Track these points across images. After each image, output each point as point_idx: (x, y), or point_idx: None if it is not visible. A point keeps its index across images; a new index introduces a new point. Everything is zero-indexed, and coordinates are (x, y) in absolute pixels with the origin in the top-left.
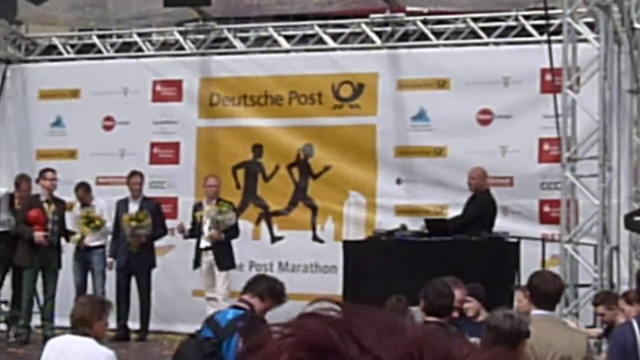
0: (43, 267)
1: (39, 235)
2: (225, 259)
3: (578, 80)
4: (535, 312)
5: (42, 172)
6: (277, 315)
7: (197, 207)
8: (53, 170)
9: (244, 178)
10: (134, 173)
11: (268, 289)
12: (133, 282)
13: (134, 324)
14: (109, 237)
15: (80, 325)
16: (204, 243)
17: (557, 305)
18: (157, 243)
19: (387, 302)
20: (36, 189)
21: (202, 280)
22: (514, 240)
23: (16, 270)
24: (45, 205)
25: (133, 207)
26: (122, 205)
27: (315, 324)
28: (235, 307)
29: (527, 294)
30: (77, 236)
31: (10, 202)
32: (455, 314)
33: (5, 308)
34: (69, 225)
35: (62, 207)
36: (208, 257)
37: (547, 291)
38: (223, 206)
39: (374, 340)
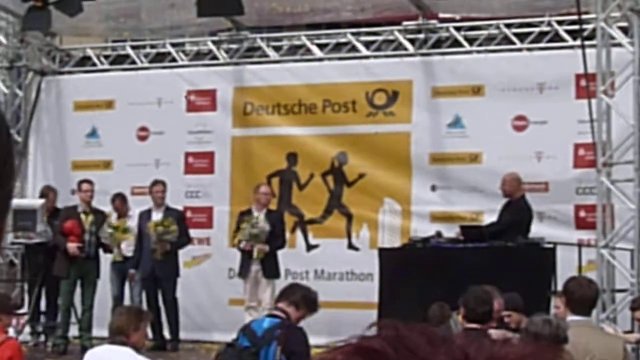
0: (81, 278)
1: (72, 246)
2: (271, 269)
3: (612, 84)
4: (572, 317)
5: (79, 184)
6: (314, 323)
7: (245, 214)
8: (89, 182)
9: (278, 187)
10: (156, 182)
11: (303, 298)
12: None
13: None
14: None
15: (118, 335)
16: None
17: (594, 310)
18: (194, 252)
19: (430, 309)
20: (73, 200)
21: (247, 289)
22: (550, 245)
23: (53, 280)
24: (83, 216)
25: (156, 216)
26: (144, 216)
27: (367, 336)
28: (271, 315)
29: (563, 300)
30: (116, 251)
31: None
32: (493, 324)
33: (43, 319)
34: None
35: (101, 217)
36: (255, 267)
37: (583, 296)
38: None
39: (423, 347)
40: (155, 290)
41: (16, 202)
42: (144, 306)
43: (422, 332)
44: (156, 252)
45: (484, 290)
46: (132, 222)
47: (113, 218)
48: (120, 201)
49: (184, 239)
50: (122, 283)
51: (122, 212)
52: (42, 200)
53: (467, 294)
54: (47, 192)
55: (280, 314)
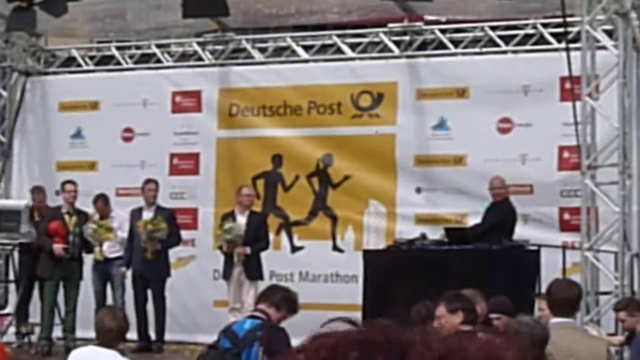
0: (64, 279)
1: (58, 247)
2: (254, 270)
3: (597, 87)
4: (554, 320)
5: (62, 184)
6: (298, 325)
7: (227, 217)
8: (73, 182)
9: (264, 188)
10: (149, 180)
11: (283, 299)
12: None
13: (152, 333)
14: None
15: (107, 338)
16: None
17: (577, 312)
18: (178, 253)
19: (413, 308)
20: (58, 200)
21: (230, 291)
22: (535, 248)
23: (38, 281)
24: (67, 217)
25: (147, 215)
26: (136, 214)
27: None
28: (252, 317)
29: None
30: (97, 249)
31: (30, 215)
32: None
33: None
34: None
35: (84, 218)
36: (237, 269)
37: (564, 298)
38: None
39: (418, 340)
40: (144, 290)
41: (1, 202)
42: (126, 307)
43: (417, 330)
44: (147, 251)
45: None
46: (115, 224)
47: (95, 219)
48: (102, 202)
49: (175, 239)
50: (104, 284)
51: (104, 214)
52: (25, 201)
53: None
54: (35, 193)
55: (261, 315)
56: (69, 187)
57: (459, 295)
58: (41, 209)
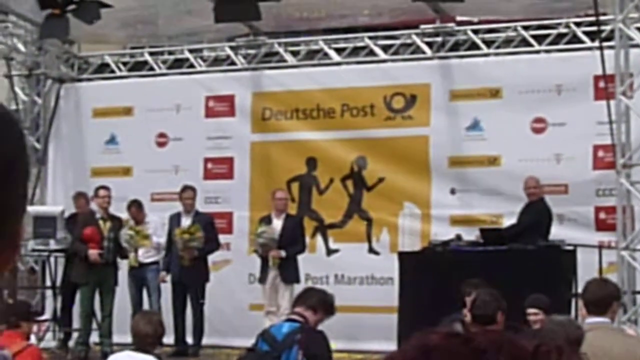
0: (100, 284)
1: (93, 253)
2: (290, 273)
3: (631, 85)
4: (589, 319)
5: (96, 190)
6: (335, 327)
7: (263, 220)
8: (106, 188)
9: (298, 192)
10: (186, 187)
11: (320, 302)
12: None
13: (189, 339)
14: (163, 253)
15: (144, 342)
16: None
17: (614, 312)
18: (214, 258)
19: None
20: (93, 206)
21: (266, 294)
22: (570, 248)
23: (71, 287)
24: (101, 223)
25: (186, 222)
26: (174, 220)
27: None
28: (289, 320)
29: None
30: (132, 255)
31: (75, 221)
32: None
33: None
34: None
35: (118, 224)
36: (273, 272)
37: (595, 297)
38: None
39: (489, 346)
40: (183, 295)
41: (36, 209)
42: (163, 312)
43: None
44: (184, 259)
45: (489, 292)
46: (149, 230)
47: (126, 227)
48: (136, 208)
49: (213, 245)
50: (140, 289)
51: (139, 219)
52: (61, 208)
53: (474, 296)
54: (77, 199)
55: (298, 318)
56: (102, 192)
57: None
58: (84, 214)
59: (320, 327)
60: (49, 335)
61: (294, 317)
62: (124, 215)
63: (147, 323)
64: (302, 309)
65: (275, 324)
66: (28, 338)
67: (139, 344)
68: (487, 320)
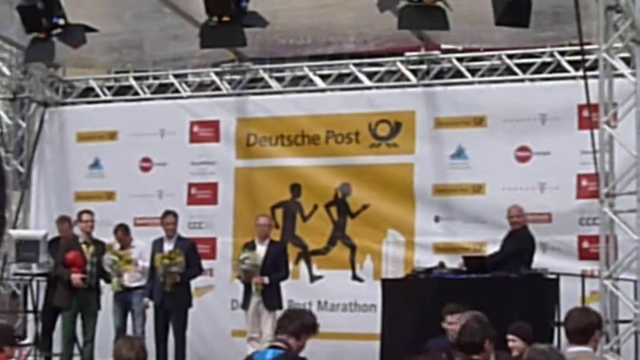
0: (82, 309)
1: (76, 277)
2: (273, 300)
3: (615, 115)
4: (571, 349)
5: (79, 214)
6: (318, 354)
7: (247, 246)
8: (89, 212)
9: (282, 218)
10: (167, 213)
11: (302, 327)
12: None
13: None
14: None
15: None
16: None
17: (595, 341)
18: (196, 283)
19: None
20: (76, 230)
21: (248, 320)
22: (553, 276)
23: (50, 312)
24: (84, 247)
25: (168, 247)
26: (157, 245)
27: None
28: (273, 347)
29: None
30: (115, 280)
31: (56, 244)
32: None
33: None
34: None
35: (101, 248)
36: (255, 298)
37: (578, 326)
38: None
39: None
40: (165, 320)
41: (19, 232)
42: (146, 337)
43: None
44: (165, 284)
45: (478, 319)
46: (135, 254)
47: (115, 249)
48: (122, 232)
49: (195, 270)
50: (125, 314)
51: (125, 243)
52: (44, 232)
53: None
54: (60, 223)
55: (282, 345)
56: (85, 216)
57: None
58: (67, 238)
59: (303, 354)
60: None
61: (278, 344)
62: (107, 239)
63: (129, 349)
64: (285, 336)
65: (259, 350)
66: None
67: None
68: (475, 349)
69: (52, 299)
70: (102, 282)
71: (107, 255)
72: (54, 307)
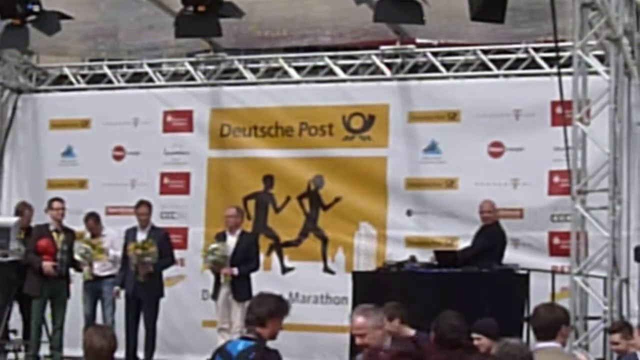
0: (52, 297)
1: (47, 265)
2: (242, 291)
3: (588, 112)
4: (539, 344)
5: (50, 202)
6: (289, 346)
7: (219, 237)
8: (60, 200)
9: (254, 209)
10: (141, 203)
11: (270, 313)
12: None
13: (140, 354)
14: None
15: (96, 357)
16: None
17: (563, 336)
18: (167, 273)
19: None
20: (48, 218)
21: (218, 311)
22: (524, 272)
23: (25, 299)
24: (55, 235)
25: (141, 236)
26: (130, 234)
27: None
28: (244, 337)
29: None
30: (86, 269)
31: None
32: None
33: (13, 337)
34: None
35: (71, 236)
36: (225, 289)
37: (544, 322)
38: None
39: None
40: (136, 310)
41: None
42: (116, 326)
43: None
44: (138, 274)
45: (456, 316)
46: (106, 243)
47: (87, 238)
48: (93, 221)
49: (168, 260)
50: (95, 302)
51: (95, 232)
52: (16, 218)
53: (439, 319)
54: (23, 209)
55: (253, 335)
56: (56, 204)
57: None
58: (25, 226)
59: (273, 345)
60: None
61: (249, 335)
62: (79, 228)
63: (101, 337)
64: (255, 326)
65: (232, 340)
66: None
67: (92, 359)
68: (454, 345)
69: (23, 286)
70: (72, 271)
71: (79, 244)
72: (25, 294)
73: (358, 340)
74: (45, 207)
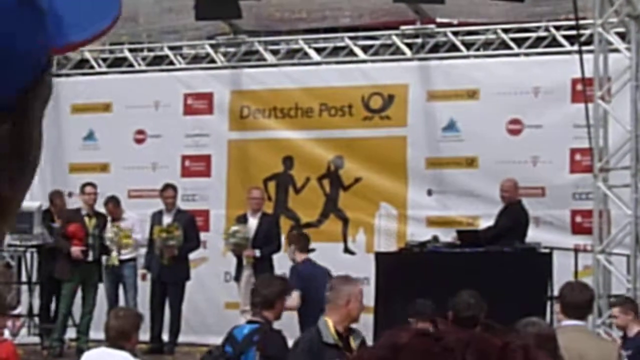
0: (83, 282)
1: (76, 249)
2: (265, 272)
3: (609, 90)
4: (566, 322)
5: (82, 187)
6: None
7: (239, 219)
8: (93, 185)
9: (275, 190)
10: (167, 186)
11: (280, 294)
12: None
13: (165, 337)
14: (141, 250)
15: (118, 339)
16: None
17: (590, 315)
18: (190, 256)
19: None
20: (71, 202)
21: (241, 293)
22: (547, 251)
23: (51, 283)
24: (86, 220)
25: (167, 220)
26: (156, 218)
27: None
28: (250, 321)
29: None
30: (114, 254)
31: (49, 218)
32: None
33: (37, 321)
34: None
35: (103, 221)
36: (247, 271)
37: (576, 301)
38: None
39: (457, 344)
40: (162, 293)
41: None
42: (140, 309)
43: (458, 331)
44: (163, 257)
45: (472, 294)
46: (126, 225)
47: (108, 227)
48: (113, 204)
49: (194, 243)
50: (117, 286)
51: (116, 215)
52: (38, 203)
53: (455, 298)
54: (54, 198)
55: (259, 319)
56: (89, 189)
57: None
58: (61, 212)
59: (294, 329)
60: (24, 331)
61: (255, 318)
62: (100, 211)
63: (114, 318)
64: (260, 309)
65: (238, 325)
66: (1, 333)
67: (110, 340)
68: (471, 323)
69: (53, 270)
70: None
71: (107, 229)
72: (55, 279)
73: None
74: (71, 191)
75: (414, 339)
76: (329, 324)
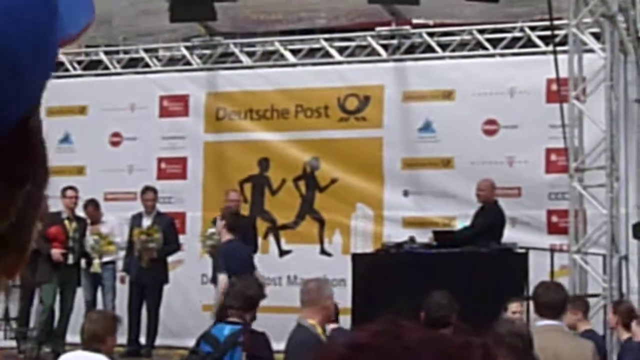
0: (62, 284)
1: (56, 252)
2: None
3: (584, 90)
4: (540, 322)
5: (63, 190)
6: (285, 329)
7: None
8: (74, 188)
9: (251, 192)
10: (147, 189)
11: (251, 299)
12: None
13: (142, 340)
14: (121, 253)
15: (93, 342)
16: None
17: (564, 315)
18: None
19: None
20: (55, 206)
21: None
22: (523, 251)
23: (28, 287)
24: (67, 223)
25: (146, 222)
26: (135, 220)
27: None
28: (228, 322)
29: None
30: (97, 262)
31: None
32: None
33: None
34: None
35: (83, 225)
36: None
37: (550, 301)
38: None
39: (417, 344)
40: (140, 296)
41: None
42: (118, 311)
43: (418, 329)
44: (142, 260)
45: (443, 295)
46: (105, 229)
47: (88, 234)
48: (92, 207)
49: (173, 246)
50: (95, 289)
51: (95, 219)
52: None
53: (427, 298)
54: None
55: (238, 320)
56: (70, 192)
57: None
58: (41, 215)
59: (275, 327)
60: (0, 334)
61: (234, 319)
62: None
63: (90, 322)
64: (241, 310)
65: (215, 325)
66: None
67: (84, 343)
68: (442, 323)
69: (33, 274)
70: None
71: (88, 236)
72: (33, 282)
73: None
74: (47, 194)
75: (373, 337)
76: (316, 326)
